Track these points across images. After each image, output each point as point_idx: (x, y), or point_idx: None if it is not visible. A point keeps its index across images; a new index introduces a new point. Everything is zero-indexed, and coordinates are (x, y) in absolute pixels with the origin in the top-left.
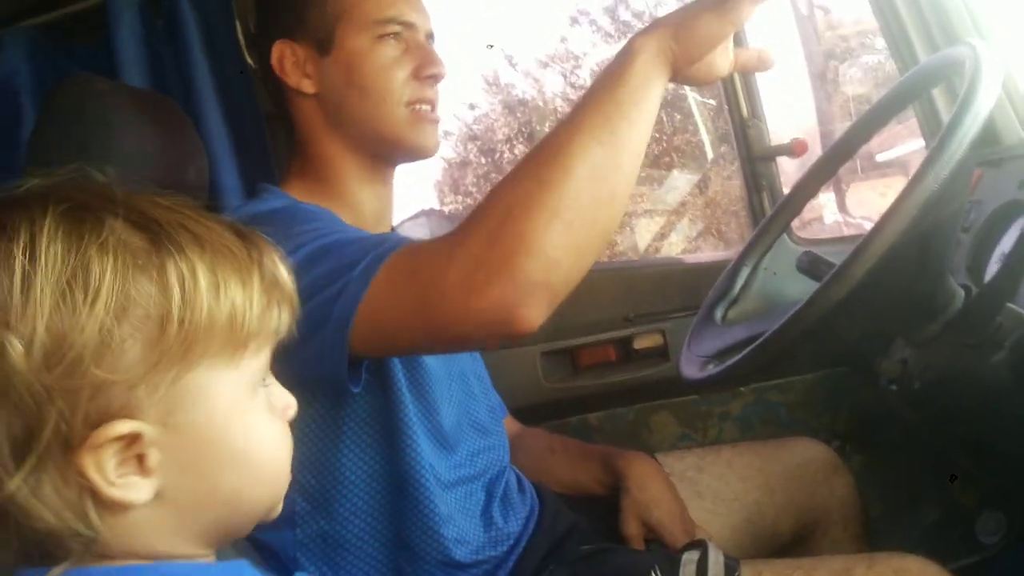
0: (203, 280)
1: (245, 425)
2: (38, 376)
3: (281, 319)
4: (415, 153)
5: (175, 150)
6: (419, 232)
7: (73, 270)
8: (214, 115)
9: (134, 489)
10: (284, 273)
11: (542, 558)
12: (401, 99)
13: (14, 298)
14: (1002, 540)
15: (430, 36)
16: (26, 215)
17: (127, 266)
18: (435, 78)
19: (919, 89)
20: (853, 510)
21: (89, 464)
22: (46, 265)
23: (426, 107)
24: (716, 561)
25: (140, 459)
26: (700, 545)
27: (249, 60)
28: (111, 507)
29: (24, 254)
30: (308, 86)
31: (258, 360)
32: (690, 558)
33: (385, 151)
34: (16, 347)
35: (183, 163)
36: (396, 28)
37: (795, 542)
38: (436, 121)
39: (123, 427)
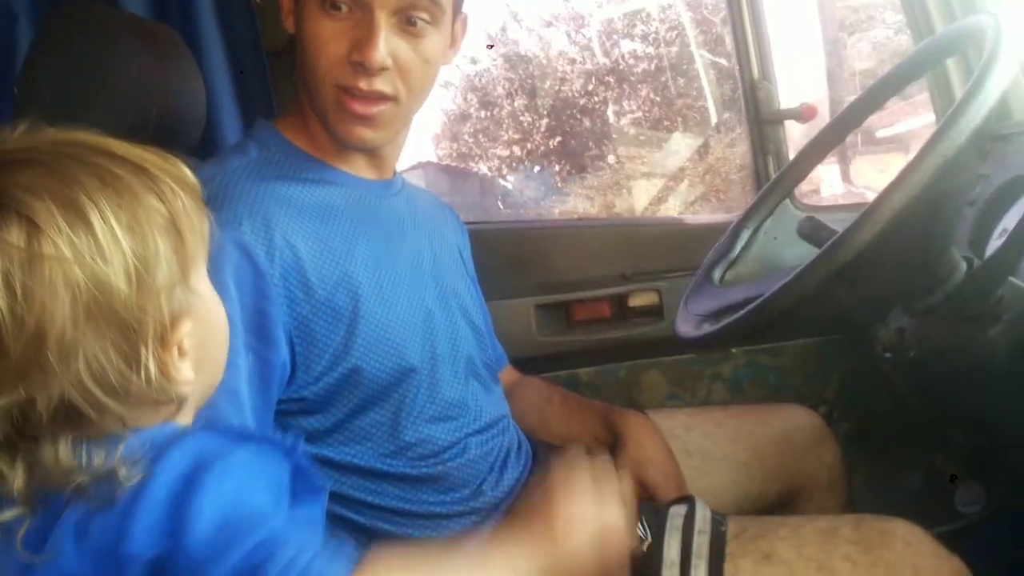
0: (183, 195)
1: (217, 306)
2: (134, 297)
3: None
4: (337, 140)
5: (172, 80)
6: (415, 183)
7: (127, 208)
8: (215, 47)
9: (185, 369)
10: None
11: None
12: (328, 78)
13: (102, 242)
14: (981, 510)
15: (405, 13)
16: (71, 198)
17: (142, 191)
18: (362, 67)
19: (936, 58)
20: (839, 477)
21: (170, 356)
22: (110, 213)
23: (351, 98)
24: (703, 516)
25: (180, 346)
26: (687, 500)
27: None
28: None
29: (92, 210)
30: (291, 24)
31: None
32: (677, 512)
33: None
34: (116, 274)
35: (180, 93)
36: (340, 2)
37: (780, 505)
38: (363, 117)
39: (187, 325)
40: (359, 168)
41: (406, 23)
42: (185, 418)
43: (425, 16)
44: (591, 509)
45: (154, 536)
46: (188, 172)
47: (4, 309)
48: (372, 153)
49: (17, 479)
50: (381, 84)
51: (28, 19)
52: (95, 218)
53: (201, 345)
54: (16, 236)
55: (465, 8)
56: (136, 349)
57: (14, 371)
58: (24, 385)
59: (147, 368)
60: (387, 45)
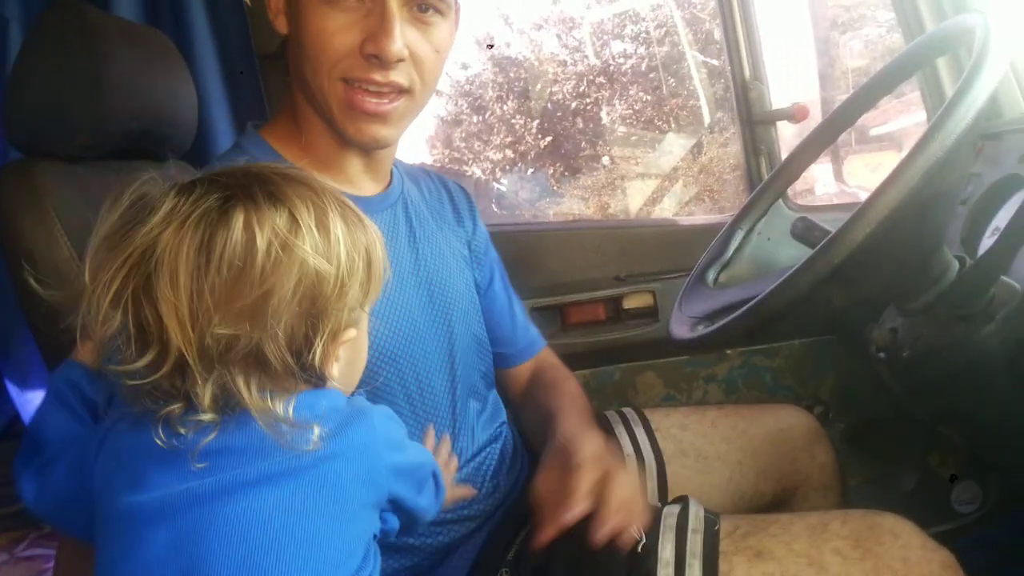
0: (379, 244)
1: (366, 337)
2: (334, 296)
3: None
4: (344, 136)
5: (163, 85)
6: None
7: (350, 233)
8: (207, 52)
9: (335, 368)
10: None
11: (524, 516)
12: (335, 71)
13: (332, 250)
14: (977, 510)
15: (418, 1)
16: (323, 214)
17: (357, 226)
18: (377, 59)
19: (926, 57)
20: (833, 477)
21: (333, 351)
22: (341, 231)
23: (363, 93)
24: (696, 515)
25: (340, 349)
26: (681, 500)
27: None
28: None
29: (334, 224)
30: (281, 24)
31: None
32: (670, 511)
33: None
34: (331, 274)
35: (171, 98)
36: None
37: (775, 505)
38: (376, 115)
39: (352, 333)
40: (354, 178)
41: (418, 11)
42: None
43: (437, 3)
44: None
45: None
46: (379, 232)
47: (259, 264)
48: (369, 158)
49: (207, 393)
50: (397, 76)
51: (19, 23)
52: (333, 230)
53: (349, 358)
54: (283, 223)
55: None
56: (316, 333)
57: (241, 312)
58: (241, 325)
59: (315, 351)
60: (402, 36)
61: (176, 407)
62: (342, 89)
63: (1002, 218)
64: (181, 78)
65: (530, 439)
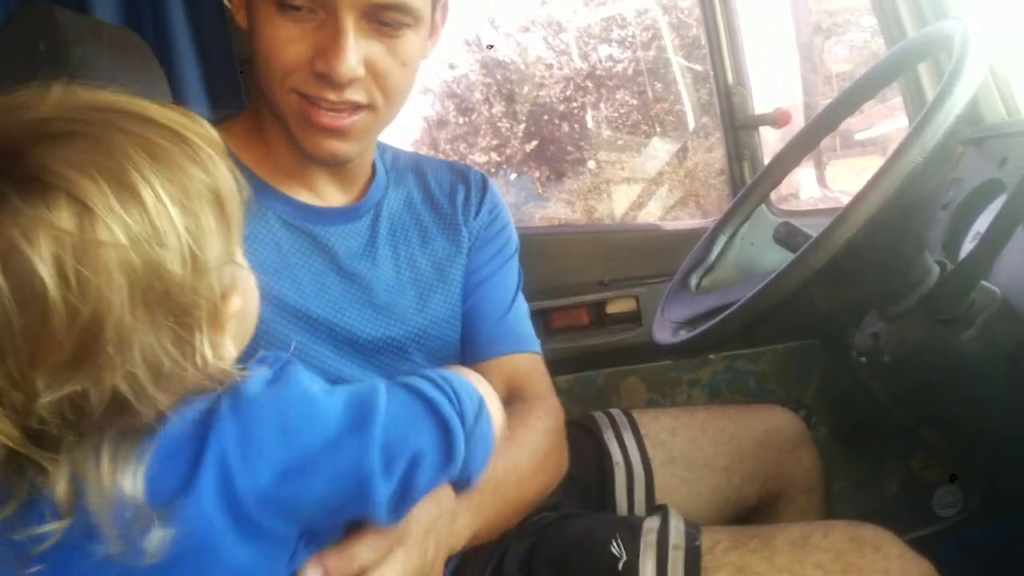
0: (219, 159)
1: (250, 273)
2: (189, 280)
3: None
4: (304, 153)
5: (136, 86)
6: None
7: (177, 183)
8: (187, 55)
9: (229, 346)
10: None
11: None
12: (286, 84)
13: (157, 224)
14: (958, 514)
15: (378, 15)
16: (121, 173)
17: (187, 163)
18: (326, 79)
19: (906, 63)
20: (818, 480)
21: (221, 337)
22: (162, 190)
23: (318, 108)
24: (677, 530)
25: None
26: (660, 510)
27: (226, 1)
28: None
29: (145, 188)
30: (242, 19)
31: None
32: (650, 526)
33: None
34: (171, 257)
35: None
36: (299, 1)
37: (760, 509)
38: (333, 129)
39: (236, 301)
40: (318, 188)
41: (379, 24)
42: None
43: (400, 17)
44: None
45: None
46: (213, 131)
47: (57, 299)
48: (337, 170)
49: (59, 486)
50: (352, 94)
51: None
52: (148, 196)
53: (241, 318)
54: (67, 220)
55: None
56: (191, 334)
57: (69, 363)
58: (78, 377)
59: (202, 354)
60: (358, 51)
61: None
62: (296, 101)
63: (983, 223)
64: (156, 80)
65: None
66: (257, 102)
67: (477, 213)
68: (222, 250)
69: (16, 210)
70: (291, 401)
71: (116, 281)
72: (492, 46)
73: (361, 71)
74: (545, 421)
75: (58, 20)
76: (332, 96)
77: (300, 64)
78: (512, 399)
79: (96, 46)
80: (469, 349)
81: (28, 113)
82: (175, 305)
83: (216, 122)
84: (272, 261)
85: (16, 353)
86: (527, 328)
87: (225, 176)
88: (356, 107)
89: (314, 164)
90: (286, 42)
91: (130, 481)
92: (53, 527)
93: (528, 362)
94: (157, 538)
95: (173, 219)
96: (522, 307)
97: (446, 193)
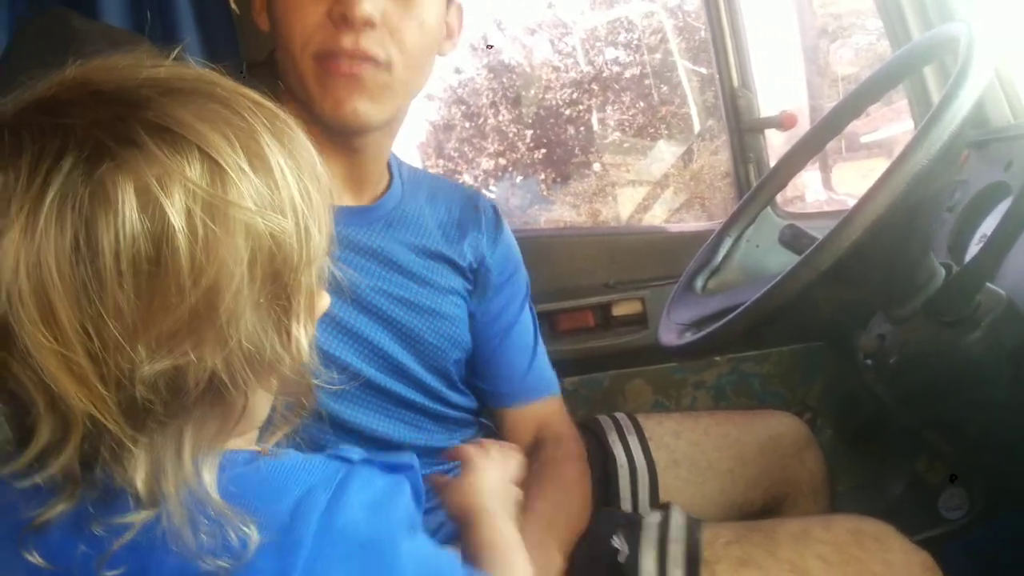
0: (316, 153)
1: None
2: (300, 258)
3: None
4: (324, 119)
5: None
6: None
7: (294, 155)
8: (195, 59)
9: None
10: None
11: None
12: (307, 48)
13: (282, 193)
14: (965, 516)
15: None
16: (251, 139)
17: (301, 143)
18: (346, 21)
19: (912, 66)
20: (823, 484)
21: (312, 327)
22: (283, 161)
23: (336, 61)
24: (677, 524)
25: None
26: (663, 508)
27: (233, 5)
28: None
29: (272, 156)
30: (264, 21)
31: None
32: (652, 521)
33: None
34: (290, 230)
35: None
36: None
37: (764, 513)
38: (349, 77)
39: (327, 300)
40: (333, 187)
41: None
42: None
43: None
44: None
45: None
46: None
47: (185, 252)
48: (351, 164)
49: (140, 474)
50: (368, 43)
51: (3, 29)
52: (275, 164)
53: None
54: (200, 173)
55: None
56: (290, 321)
57: (179, 331)
58: (183, 349)
59: (298, 344)
60: (375, 1)
61: (62, 507)
62: (315, 65)
63: (988, 225)
64: None
65: None
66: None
67: (494, 244)
68: (323, 239)
69: (152, 156)
70: (373, 544)
71: (240, 246)
72: (492, 46)
73: (377, 16)
74: (583, 462)
75: (74, 26)
76: (348, 43)
77: (320, 21)
78: (543, 440)
79: (110, 52)
80: (497, 395)
81: (142, 71)
82: (282, 287)
83: None
84: None
85: (131, 310)
86: (549, 370)
87: (318, 159)
88: (374, 62)
89: (333, 161)
90: (305, 3)
91: (208, 474)
92: (135, 518)
93: (554, 404)
94: (242, 536)
95: (293, 193)
96: (541, 347)
97: (455, 218)
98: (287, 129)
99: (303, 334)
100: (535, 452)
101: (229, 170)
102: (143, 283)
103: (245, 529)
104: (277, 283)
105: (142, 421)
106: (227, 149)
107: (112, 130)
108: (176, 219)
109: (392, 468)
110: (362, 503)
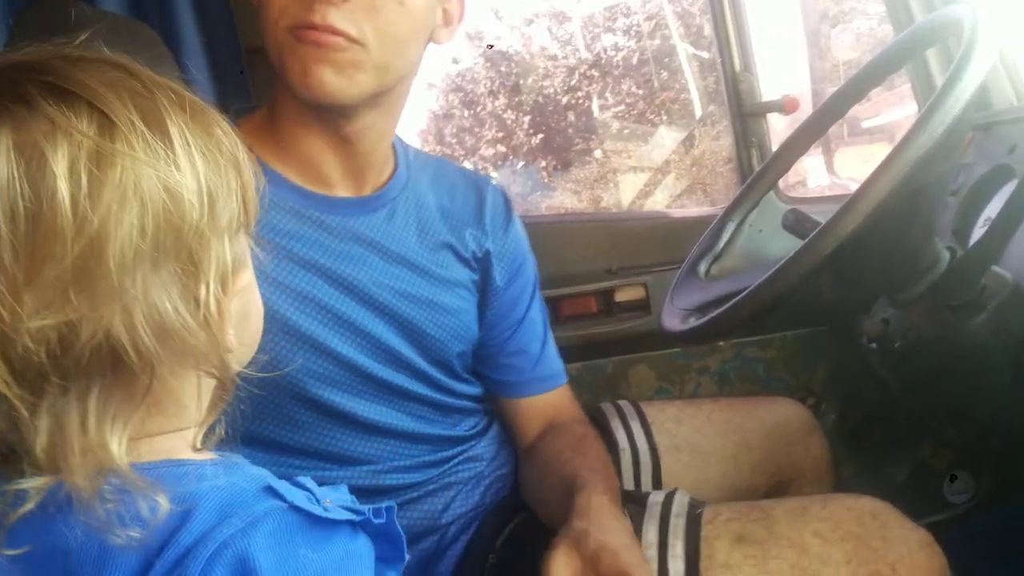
0: (240, 144)
1: (255, 282)
2: (205, 222)
3: None
4: (295, 91)
5: None
6: None
7: (202, 134)
8: (194, 45)
9: (231, 335)
10: None
11: (513, 508)
12: (281, 21)
13: (180, 156)
14: (970, 500)
15: None
16: (150, 104)
17: (215, 125)
18: None
19: (914, 49)
20: (827, 470)
21: (227, 307)
22: (188, 132)
23: (303, 30)
24: (680, 501)
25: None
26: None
27: None
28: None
29: (173, 125)
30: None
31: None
32: (655, 499)
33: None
34: (190, 187)
35: None
36: None
37: (768, 498)
38: (317, 45)
39: (248, 276)
40: (331, 179)
41: None
42: (195, 431)
43: None
44: None
45: None
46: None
47: (66, 198)
48: (347, 156)
49: (41, 435)
50: (337, 19)
51: (3, 17)
52: (174, 131)
53: (242, 316)
54: (87, 125)
55: None
56: (197, 286)
57: (69, 279)
58: (77, 299)
59: (207, 308)
60: None
61: None
62: (287, 40)
63: (993, 209)
64: (170, 72)
65: (537, 498)
66: (275, 94)
67: (505, 231)
68: (239, 215)
69: (40, 110)
70: None
71: (129, 197)
72: (492, 46)
73: None
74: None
75: (74, 12)
76: (317, 18)
77: None
78: (563, 423)
79: (110, 39)
80: (507, 385)
81: (65, 49)
82: (185, 249)
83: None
84: (280, 248)
85: (15, 260)
86: (558, 359)
87: (244, 156)
88: (346, 37)
89: (328, 152)
90: None
91: (116, 444)
92: (34, 484)
93: (564, 392)
94: (151, 505)
95: (195, 160)
96: (551, 336)
97: (457, 206)
98: (204, 115)
99: (212, 301)
100: (558, 434)
101: (119, 124)
102: (23, 231)
103: (155, 498)
104: (179, 244)
105: (39, 385)
106: (119, 106)
107: (9, 91)
108: (59, 166)
109: (363, 518)
110: (268, 544)
